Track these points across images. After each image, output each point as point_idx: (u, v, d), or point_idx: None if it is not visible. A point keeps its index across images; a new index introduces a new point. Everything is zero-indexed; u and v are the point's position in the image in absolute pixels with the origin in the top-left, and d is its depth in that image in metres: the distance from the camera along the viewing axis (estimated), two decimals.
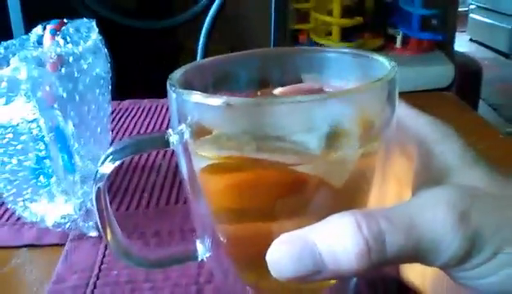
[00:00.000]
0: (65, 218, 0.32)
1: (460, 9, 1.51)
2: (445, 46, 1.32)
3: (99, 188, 0.21)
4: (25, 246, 0.33)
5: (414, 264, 0.19)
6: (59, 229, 0.32)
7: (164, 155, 0.44)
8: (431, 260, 0.18)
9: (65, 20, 0.34)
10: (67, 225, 0.32)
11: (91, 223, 0.32)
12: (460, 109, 0.55)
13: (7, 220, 0.35)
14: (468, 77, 1.32)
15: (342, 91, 0.20)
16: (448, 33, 1.33)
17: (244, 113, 0.19)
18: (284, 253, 0.18)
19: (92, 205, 0.31)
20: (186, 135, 0.20)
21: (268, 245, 0.18)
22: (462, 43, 2.45)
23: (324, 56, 0.25)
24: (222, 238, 0.23)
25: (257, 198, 0.21)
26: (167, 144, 0.21)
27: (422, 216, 0.18)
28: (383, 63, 0.22)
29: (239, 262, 0.24)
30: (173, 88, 0.20)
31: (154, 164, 0.43)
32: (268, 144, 0.19)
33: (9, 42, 0.35)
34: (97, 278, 0.29)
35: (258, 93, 0.25)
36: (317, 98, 0.19)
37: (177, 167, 0.41)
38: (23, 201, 0.32)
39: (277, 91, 0.25)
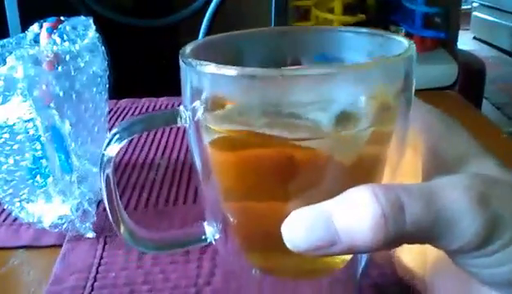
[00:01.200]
0: (62, 219, 0.31)
1: (463, 7, 1.50)
2: (448, 44, 1.31)
3: (107, 174, 0.20)
4: (22, 247, 0.32)
5: (412, 247, 0.18)
6: (56, 230, 0.32)
7: (163, 153, 0.44)
8: (447, 242, 0.17)
9: (61, 18, 0.34)
10: (64, 226, 0.32)
11: (88, 224, 0.32)
12: (463, 108, 0.54)
13: (4, 220, 0.35)
14: (471, 76, 1.31)
15: (357, 65, 0.20)
16: (451, 32, 1.32)
17: (260, 84, 0.18)
18: (299, 224, 0.18)
19: (90, 205, 0.31)
20: (200, 112, 0.20)
21: (278, 225, 0.18)
22: (465, 41, 2.44)
23: (339, 35, 0.24)
24: (231, 218, 0.22)
25: (267, 176, 0.20)
26: (178, 120, 0.20)
27: (442, 193, 0.17)
28: (401, 42, 0.21)
29: (247, 243, 0.23)
30: (186, 60, 0.19)
31: (152, 163, 0.42)
32: (279, 119, 0.19)
33: (5, 40, 0.35)
34: (95, 280, 0.29)
35: None
36: (333, 71, 0.18)
37: (175, 165, 0.42)
38: (20, 201, 0.32)
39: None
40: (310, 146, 0.19)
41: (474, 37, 2.66)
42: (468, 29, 2.65)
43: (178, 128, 0.49)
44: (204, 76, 0.19)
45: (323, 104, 0.18)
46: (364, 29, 0.23)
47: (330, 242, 0.17)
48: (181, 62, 0.20)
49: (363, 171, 0.21)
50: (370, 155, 0.21)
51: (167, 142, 0.46)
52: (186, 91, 0.20)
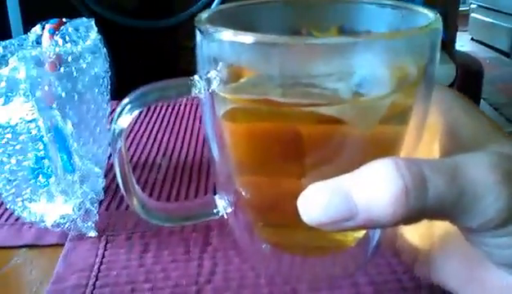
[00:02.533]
0: (64, 218, 0.31)
1: (461, 8, 1.51)
2: (446, 45, 1.32)
3: (120, 147, 0.19)
4: (25, 246, 0.33)
5: (418, 224, 0.17)
6: (58, 229, 0.32)
7: (165, 153, 0.44)
8: (468, 219, 0.17)
9: (63, 20, 0.34)
10: (66, 225, 0.32)
11: (90, 223, 0.32)
12: None
13: (6, 220, 0.35)
14: (469, 77, 1.31)
15: (381, 35, 0.19)
16: (449, 33, 1.33)
17: (280, 52, 0.17)
18: (316, 197, 0.17)
19: (92, 204, 0.31)
20: (215, 82, 0.19)
21: (291, 200, 0.17)
22: (463, 43, 2.45)
23: (360, 7, 0.23)
24: (243, 192, 0.22)
25: (281, 148, 0.19)
26: (193, 90, 0.19)
27: (466, 169, 0.17)
28: (426, 14, 0.20)
29: (259, 217, 0.23)
30: (203, 27, 0.19)
31: (154, 162, 0.43)
32: (297, 88, 0.18)
33: (7, 41, 0.35)
34: (96, 279, 0.29)
35: None
36: (356, 41, 0.17)
37: (177, 165, 0.42)
38: (22, 201, 0.32)
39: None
40: (328, 113, 0.18)
41: (472, 39, 2.67)
42: (466, 30, 2.65)
43: (180, 127, 0.49)
44: (221, 43, 0.18)
45: (343, 73, 0.18)
46: (387, 1, 0.22)
47: (348, 216, 0.16)
48: (196, 30, 0.19)
49: (381, 147, 0.20)
50: (388, 130, 0.20)
51: (168, 142, 0.46)
52: (202, 60, 0.19)
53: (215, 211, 0.23)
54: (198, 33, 0.19)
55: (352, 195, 0.16)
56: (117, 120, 0.19)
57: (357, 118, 0.18)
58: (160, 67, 0.68)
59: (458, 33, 1.41)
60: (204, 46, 0.19)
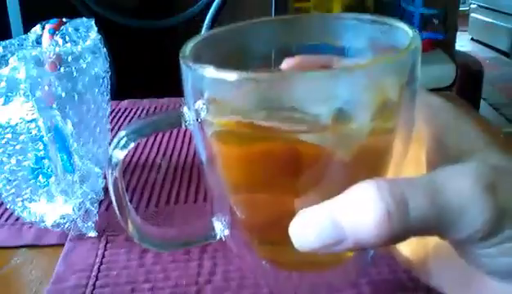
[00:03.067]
0: (64, 218, 0.31)
1: (461, 8, 1.51)
2: (446, 45, 1.32)
3: (115, 177, 0.21)
4: (24, 246, 0.33)
5: (408, 242, 0.18)
6: (58, 229, 0.32)
7: (164, 153, 0.44)
8: (454, 232, 0.17)
9: (63, 20, 0.34)
10: (66, 225, 0.32)
11: (90, 223, 0.32)
12: None
13: (6, 220, 0.35)
14: (469, 77, 1.32)
15: (360, 66, 0.19)
16: (449, 33, 1.33)
17: (261, 87, 0.18)
18: (305, 224, 0.18)
19: (92, 204, 0.31)
20: (203, 112, 0.20)
21: (285, 218, 0.18)
22: (463, 43, 2.45)
23: (341, 23, 0.24)
24: (238, 213, 0.22)
25: (271, 170, 0.20)
26: (183, 123, 0.21)
27: (448, 184, 0.17)
28: (405, 30, 0.20)
29: (256, 237, 0.24)
30: (186, 62, 0.19)
31: (153, 163, 0.43)
32: (278, 113, 0.19)
33: (8, 41, 0.35)
34: (97, 279, 0.29)
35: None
36: (335, 72, 0.18)
37: (176, 166, 0.42)
38: (22, 201, 0.32)
39: (285, 62, 0.24)
40: (309, 140, 0.19)
41: (472, 39, 2.67)
42: (466, 31, 2.65)
43: (179, 128, 0.49)
44: (204, 79, 0.19)
45: (324, 101, 0.18)
46: (367, 16, 0.23)
47: (337, 241, 0.17)
48: (181, 63, 0.20)
49: (368, 165, 0.20)
50: (374, 149, 0.20)
51: (168, 142, 0.46)
52: (188, 91, 0.20)
53: (213, 234, 0.24)
54: (182, 66, 0.20)
55: (340, 220, 0.17)
56: (113, 151, 0.20)
57: (337, 145, 0.19)
58: (160, 67, 0.68)
59: (458, 33, 1.41)
60: (189, 79, 0.20)
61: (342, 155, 0.19)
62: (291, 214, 0.18)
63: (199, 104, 0.20)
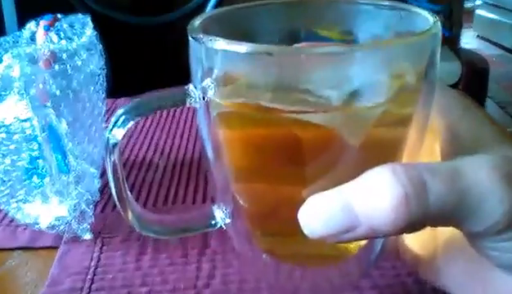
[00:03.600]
0: (59, 220, 0.31)
1: (466, 5, 1.49)
2: (451, 42, 1.31)
3: (114, 160, 0.19)
4: (19, 248, 0.32)
5: (421, 232, 0.17)
6: (53, 231, 0.32)
7: (162, 152, 0.43)
8: (472, 222, 0.17)
9: (58, 16, 0.33)
10: (61, 227, 0.31)
11: (85, 225, 0.31)
12: None
13: (1, 221, 0.34)
14: (475, 75, 1.30)
15: (377, 44, 0.18)
16: (454, 30, 1.32)
17: (275, 61, 0.17)
18: (317, 210, 0.17)
19: (87, 206, 0.31)
20: (211, 91, 0.19)
21: (290, 208, 0.17)
22: (469, 40, 2.43)
23: (357, 8, 0.23)
24: (241, 201, 0.21)
25: (277, 155, 0.19)
26: (188, 101, 0.19)
27: (467, 172, 0.16)
28: (425, 17, 0.20)
29: (258, 227, 0.23)
30: (196, 36, 0.18)
31: (151, 162, 0.42)
32: (289, 95, 0.18)
33: (2, 38, 0.34)
34: (92, 282, 0.28)
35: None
36: (352, 49, 0.17)
37: (174, 164, 0.41)
38: (16, 202, 0.32)
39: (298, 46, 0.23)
40: (315, 120, 0.18)
41: (478, 36, 2.65)
42: (471, 28, 2.64)
43: (177, 127, 0.48)
44: (215, 53, 0.18)
45: (338, 81, 0.17)
46: (385, 2, 0.22)
47: (350, 227, 0.16)
48: (190, 38, 0.19)
49: (380, 153, 0.19)
50: (388, 136, 0.20)
51: (166, 141, 0.46)
52: (196, 68, 0.19)
53: (213, 222, 0.23)
54: (191, 40, 0.19)
55: (353, 205, 0.16)
56: (111, 131, 0.19)
57: (344, 126, 0.18)
58: (157, 64, 0.68)
59: (463, 30, 1.39)
60: (197, 55, 0.19)
61: (351, 139, 0.18)
62: (297, 204, 0.17)
63: (208, 81, 0.19)
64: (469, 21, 2.46)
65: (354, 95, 0.17)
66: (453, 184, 0.16)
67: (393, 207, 0.16)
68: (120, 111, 0.19)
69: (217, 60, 0.18)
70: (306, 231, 0.17)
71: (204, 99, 0.19)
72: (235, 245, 0.25)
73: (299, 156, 0.19)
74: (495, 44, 2.49)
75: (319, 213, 0.17)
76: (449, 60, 1.25)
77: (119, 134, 0.19)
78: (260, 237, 0.23)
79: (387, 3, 0.22)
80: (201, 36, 0.18)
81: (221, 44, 0.17)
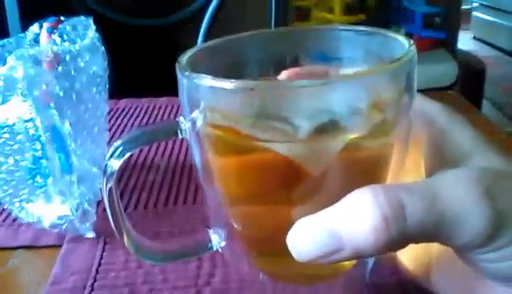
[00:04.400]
0: (61, 219, 0.31)
1: (463, 7, 1.50)
2: (448, 44, 1.31)
3: (111, 187, 0.21)
4: (22, 247, 0.32)
5: (414, 247, 0.18)
6: (56, 230, 0.32)
7: (163, 154, 0.44)
8: (453, 239, 0.17)
9: (61, 18, 0.33)
10: (64, 226, 0.31)
11: (88, 224, 0.32)
12: (463, 108, 0.54)
13: (4, 220, 0.35)
14: (471, 76, 1.31)
15: (355, 74, 0.19)
16: (451, 31, 1.32)
17: (258, 96, 0.18)
18: (303, 234, 0.18)
19: (90, 205, 0.31)
20: (199, 122, 0.20)
21: (282, 230, 0.18)
22: (465, 41, 2.43)
23: (338, 34, 0.24)
24: (235, 225, 0.22)
25: (267, 180, 0.20)
26: (179, 132, 0.21)
27: (445, 190, 0.17)
28: (400, 42, 0.20)
29: (253, 248, 0.24)
30: (183, 72, 0.19)
31: (152, 164, 0.42)
32: (264, 122, 0.19)
33: (5, 40, 0.35)
34: (95, 281, 0.29)
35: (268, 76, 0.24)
36: (331, 81, 0.18)
37: (175, 166, 0.41)
38: (19, 201, 0.32)
39: (282, 74, 0.24)
40: (279, 150, 0.19)
41: (474, 37, 2.66)
42: (468, 29, 2.64)
43: None
44: (201, 87, 0.19)
45: (318, 110, 0.18)
46: (363, 28, 0.23)
47: (335, 250, 0.17)
48: (177, 73, 0.20)
49: (365, 174, 0.20)
50: (370, 159, 0.20)
51: (166, 143, 0.46)
52: (184, 100, 0.20)
53: (209, 246, 0.24)
54: (179, 75, 0.20)
55: (337, 229, 0.17)
56: (109, 160, 0.20)
57: (304, 158, 0.19)
58: (159, 65, 0.68)
59: (460, 32, 1.40)
60: (185, 89, 0.20)
61: (311, 170, 0.19)
62: (288, 225, 0.18)
63: (196, 113, 0.20)
64: (465, 23, 2.47)
65: (332, 125, 0.18)
66: (431, 205, 0.16)
67: (373, 229, 0.16)
68: (118, 143, 0.20)
69: (203, 94, 0.19)
70: (294, 255, 0.18)
71: (194, 130, 0.20)
72: (232, 266, 0.26)
73: (288, 179, 0.19)
74: (491, 45, 2.50)
75: (306, 238, 0.18)
76: (446, 61, 1.26)
77: (115, 164, 0.20)
78: (255, 257, 0.24)
79: (364, 29, 0.23)
80: (187, 73, 0.19)
81: (206, 81, 0.18)
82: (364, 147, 0.20)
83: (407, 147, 0.21)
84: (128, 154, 0.20)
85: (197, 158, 0.22)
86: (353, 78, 0.18)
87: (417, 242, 0.18)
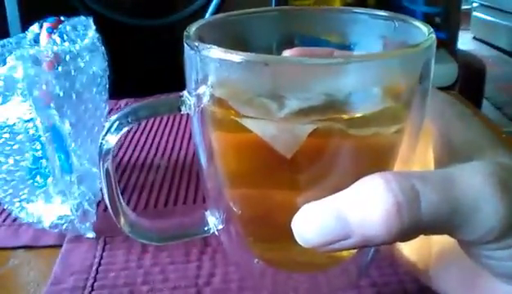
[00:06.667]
0: (61, 219, 0.31)
1: (463, 7, 1.50)
2: (448, 44, 1.31)
3: (107, 166, 0.19)
4: (22, 247, 0.32)
5: (415, 240, 0.17)
6: (56, 230, 0.32)
7: (163, 154, 0.44)
8: (466, 232, 0.16)
9: (61, 18, 0.33)
10: (64, 226, 0.31)
11: (88, 224, 0.31)
12: None
13: (4, 220, 0.35)
14: (471, 76, 1.31)
15: (368, 56, 0.18)
16: (451, 32, 1.32)
17: (269, 70, 0.17)
18: (310, 219, 0.17)
19: (90, 205, 0.31)
20: (205, 98, 0.19)
21: (283, 214, 0.17)
22: (465, 41, 2.43)
23: (352, 17, 0.23)
24: (234, 207, 0.21)
25: (269, 159, 0.19)
26: (183, 108, 0.19)
27: (462, 181, 0.16)
28: (419, 28, 0.20)
29: (251, 233, 0.23)
30: (191, 43, 0.18)
31: (152, 163, 0.42)
32: (259, 99, 0.18)
33: (5, 40, 0.35)
34: (95, 280, 0.29)
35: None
36: (344, 61, 0.17)
37: (175, 166, 0.41)
38: (19, 201, 0.32)
39: (286, 53, 0.23)
40: (253, 128, 0.18)
41: (474, 37, 2.66)
42: (468, 29, 2.64)
43: (178, 128, 0.49)
44: (210, 61, 0.18)
45: (321, 91, 0.17)
46: (380, 12, 0.22)
47: (343, 237, 0.16)
48: (185, 45, 0.19)
49: (373, 160, 0.20)
50: (380, 144, 0.20)
51: (167, 142, 0.46)
52: (190, 75, 0.19)
53: (206, 228, 0.23)
54: (186, 47, 0.19)
55: (346, 215, 0.16)
56: (104, 136, 0.19)
57: (273, 139, 0.18)
58: (159, 65, 0.68)
59: (460, 32, 1.40)
60: (192, 62, 0.19)
61: (281, 150, 0.18)
62: (287, 209, 0.17)
63: (203, 88, 0.19)
64: (465, 23, 2.47)
65: (321, 106, 0.17)
66: (446, 193, 0.16)
67: (385, 216, 0.15)
68: (114, 117, 0.19)
69: (212, 68, 0.18)
70: (299, 240, 0.17)
71: (198, 106, 0.19)
72: (228, 250, 0.25)
73: (290, 162, 0.19)
74: (491, 45, 2.50)
75: (312, 222, 0.17)
76: (446, 61, 1.26)
77: (112, 140, 0.19)
78: (253, 243, 0.23)
79: (382, 13, 0.22)
80: (196, 44, 0.18)
81: (216, 52, 0.17)
82: (370, 130, 0.19)
83: (419, 136, 0.20)
84: (125, 129, 0.19)
85: (198, 136, 0.21)
86: (370, 60, 0.17)
87: (428, 233, 0.17)
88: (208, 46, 0.18)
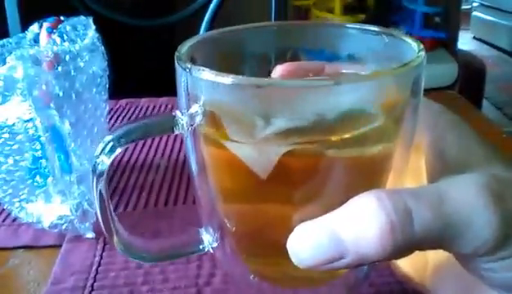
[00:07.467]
0: (61, 219, 0.31)
1: (463, 7, 1.50)
2: (448, 44, 1.32)
3: (100, 188, 0.19)
4: (22, 247, 0.32)
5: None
6: (55, 230, 0.32)
7: (163, 154, 0.44)
8: (460, 245, 0.16)
9: (61, 18, 0.33)
10: (64, 226, 0.31)
11: (87, 224, 0.31)
12: (463, 108, 0.54)
13: (4, 220, 0.35)
14: (471, 76, 1.31)
15: (358, 77, 0.18)
16: (451, 31, 1.33)
17: (259, 93, 0.17)
18: (305, 239, 0.17)
19: (89, 205, 0.31)
20: (197, 118, 0.19)
21: (277, 230, 0.18)
22: (465, 41, 2.44)
23: (344, 32, 0.23)
24: (228, 225, 0.22)
25: (249, 178, 0.19)
26: (175, 129, 0.19)
27: (453, 194, 0.16)
28: (409, 44, 0.20)
29: (245, 249, 0.23)
30: (182, 64, 0.18)
31: (152, 163, 0.42)
32: (247, 118, 0.18)
33: (5, 40, 0.35)
34: (94, 281, 0.29)
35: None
36: (333, 82, 0.17)
37: (175, 166, 0.41)
38: (19, 201, 0.32)
39: (276, 70, 0.23)
40: (231, 148, 0.18)
41: (474, 37, 2.66)
42: (468, 29, 2.64)
43: None
44: (202, 83, 0.18)
45: (322, 110, 0.18)
46: (372, 27, 0.22)
47: (338, 256, 0.16)
48: (176, 65, 0.19)
49: (366, 177, 0.20)
50: (372, 162, 0.20)
51: (167, 142, 0.46)
52: (182, 94, 0.19)
53: (201, 246, 0.23)
54: (177, 67, 0.19)
55: (340, 234, 0.16)
56: (98, 157, 0.19)
57: (249, 160, 0.18)
58: (159, 65, 0.68)
59: (460, 32, 1.40)
60: (184, 82, 0.19)
61: (256, 170, 0.18)
62: (281, 225, 0.18)
63: (195, 108, 0.19)
64: (465, 23, 2.47)
65: (307, 127, 0.18)
66: (438, 210, 0.16)
67: (379, 235, 0.16)
68: (108, 138, 0.19)
69: (204, 89, 0.18)
70: (295, 261, 0.17)
71: (191, 125, 0.19)
72: (224, 267, 0.25)
73: (284, 178, 0.19)
74: (491, 45, 2.50)
75: (307, 243, 0.17)
76: (446, 61, 1.26)
77: (106, 161, 0.19)
78: (247, 259, 0.23)
79: (372, 28, 0.22)
80: (188, 65, 0.18)
81: (207, 75, 0.17)
82: (361, 149, 0.19)
83: (410, 152, 0.20)
84: (118, 150, 0.19)
85: (192, 155, 0.21)
86: (360, 81, 0.18)
87: (422, 248, 0.17)
88: (199, 68, 0.18)
